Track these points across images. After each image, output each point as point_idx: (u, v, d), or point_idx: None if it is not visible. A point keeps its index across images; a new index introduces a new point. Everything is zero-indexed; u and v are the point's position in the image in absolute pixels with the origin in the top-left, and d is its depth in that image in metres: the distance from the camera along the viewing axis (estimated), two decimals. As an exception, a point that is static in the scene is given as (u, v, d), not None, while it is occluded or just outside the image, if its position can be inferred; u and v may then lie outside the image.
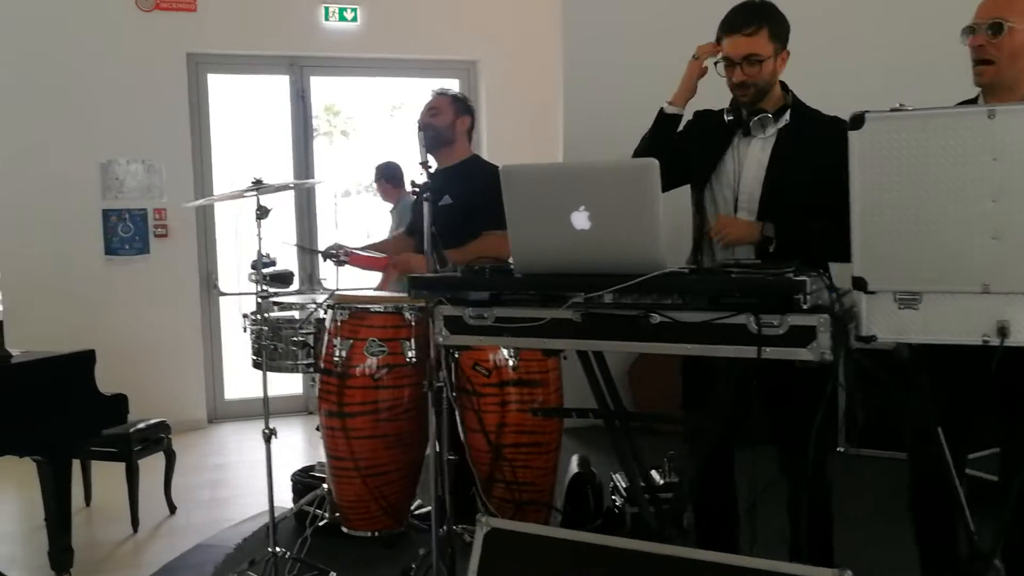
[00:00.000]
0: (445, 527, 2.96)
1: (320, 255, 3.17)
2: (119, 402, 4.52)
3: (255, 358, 3.49)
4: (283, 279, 3.33)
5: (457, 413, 3.08)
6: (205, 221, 6.69)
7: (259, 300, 3.19)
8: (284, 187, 3.23)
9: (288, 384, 7.06)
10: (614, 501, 3.90)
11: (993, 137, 1.90)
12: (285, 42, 6.70)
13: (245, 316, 3.46)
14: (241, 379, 7.51)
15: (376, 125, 8.19)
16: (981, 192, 1.93)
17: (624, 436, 2.62)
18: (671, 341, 2.11)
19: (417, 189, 2.95)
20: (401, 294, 3.39)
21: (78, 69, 6.18)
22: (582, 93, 5.62)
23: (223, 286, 6.76)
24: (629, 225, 2.05)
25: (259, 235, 3.11)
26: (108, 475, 4.59)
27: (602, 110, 5.45)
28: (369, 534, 3.32)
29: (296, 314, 3.50)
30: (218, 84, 6.80)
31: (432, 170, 3.07)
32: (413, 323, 3.23)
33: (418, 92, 5.28)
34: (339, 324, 3.21)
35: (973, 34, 2.48)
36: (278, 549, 3.22)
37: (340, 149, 8.89)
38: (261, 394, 3.15)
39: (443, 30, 6.88)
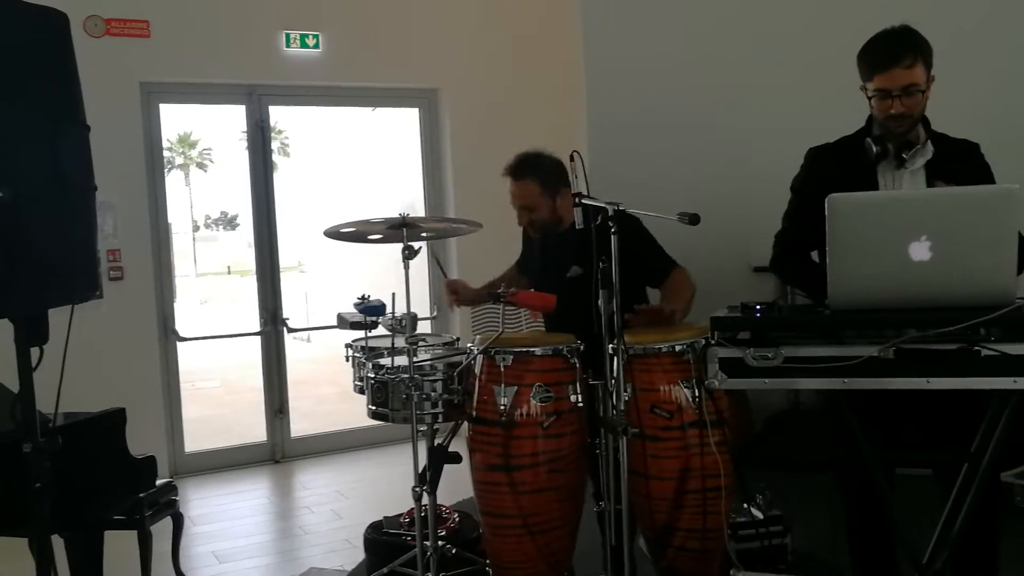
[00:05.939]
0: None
1: (488, 295, 2.90)
2: (150, 464, 4.07)
3: (377, 408, 3.18)
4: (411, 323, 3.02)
5: (624, 460, 2.86)
6: (160, 261, 6.16)
7: (409, 347, 2.88)
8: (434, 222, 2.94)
9: (252, 432, 6.64)
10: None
11: None
12: (243, 70, 6.28)
13: (362, 364, 3.14)
14: (202, 430, 6.98)
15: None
16: None
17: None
18: (1004, 375, 2.03)
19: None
20: (553, 336, 3.16)
21: (23, 98, 5.57)
22: (606, 110, 5.38)
23: (181, 330, 6.24)
24: (980, 256, 1.96)
25: (407, 277, 2.83)
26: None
27: (625, 129, 5.24)
28: (534, 595, 3.04)
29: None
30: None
31: None
32: (577, 365, 3.02)
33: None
34: (501, 369, 2.95)
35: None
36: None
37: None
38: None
39: (405, 58, 6.62)
